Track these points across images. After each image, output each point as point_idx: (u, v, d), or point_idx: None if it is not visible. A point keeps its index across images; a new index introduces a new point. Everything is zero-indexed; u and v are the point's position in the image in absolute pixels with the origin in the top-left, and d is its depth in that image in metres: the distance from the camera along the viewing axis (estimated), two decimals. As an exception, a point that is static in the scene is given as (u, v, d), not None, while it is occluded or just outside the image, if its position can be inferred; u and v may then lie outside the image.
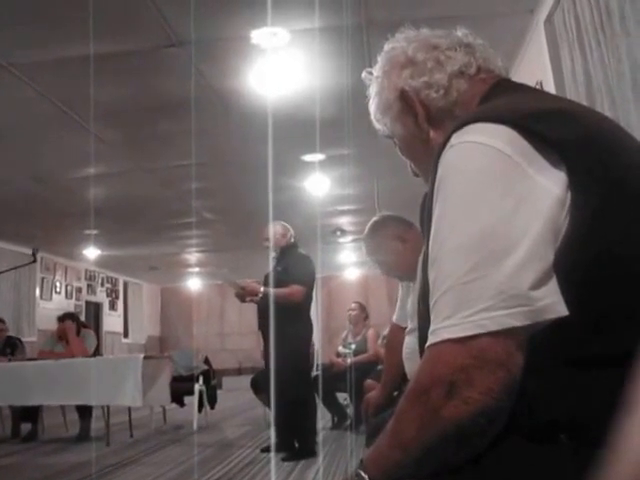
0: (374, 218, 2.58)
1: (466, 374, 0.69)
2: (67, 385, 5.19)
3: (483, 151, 0.75)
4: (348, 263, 12.97)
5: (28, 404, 5.46)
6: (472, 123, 0.78)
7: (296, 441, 4.37)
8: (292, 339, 4.20)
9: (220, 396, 6.97)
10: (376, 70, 1.05)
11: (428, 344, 0.74)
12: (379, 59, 1.05)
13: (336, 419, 5.93)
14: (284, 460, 4.19)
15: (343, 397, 6.01)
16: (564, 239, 0.72)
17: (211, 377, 6.63)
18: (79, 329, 6.17)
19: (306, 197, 7.29)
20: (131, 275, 13.74)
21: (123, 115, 4.74)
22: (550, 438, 0.71)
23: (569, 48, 3.08)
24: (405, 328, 2.41)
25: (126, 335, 13.77)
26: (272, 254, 4.60)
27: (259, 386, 5.35)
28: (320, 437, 4.79)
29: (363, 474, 0.78)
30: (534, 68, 3.67)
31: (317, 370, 6.00)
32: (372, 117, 1.08)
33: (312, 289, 4.55)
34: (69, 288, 11.47)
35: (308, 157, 5.94)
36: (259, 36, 3.61)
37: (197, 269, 13.28)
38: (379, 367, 4.96)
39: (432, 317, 0.75)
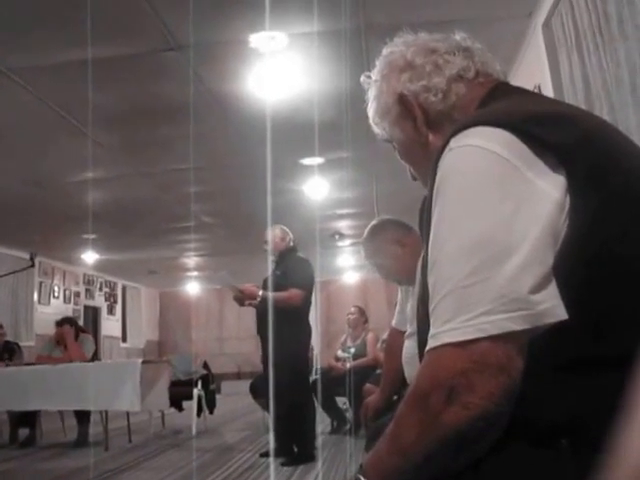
0: (373, 222, 2.58)
1: (466, 379, 0.69)
2: (65, 390, 5.18)
3: (482, 155, 0.75)
4: (347, 267, 12.96)
5: (26, 409, 5.44)
6: (471, 127, 0.78)
7: (295, 446, 4.36)
8: (291, 343, 4.19)
9: (219, 400, 6.96)
10: (375, 74, 1.05)
11: (428, 348, 0.74)
12: (377, 63, 1.05)
13: (335, 423, 5.93)
14: (283, 465, 4.18)
15: (342, 401, 5.99)
16: (563, 243, 0.72)
17: (210, 381, 6.62)
18: (77, 334, 6.16)
19: (305, 201, 7.28)
20: (129, 279, 13.72)
21: (121, 119, 4.74)
22: (551, 443, 0.71)
23: (567, 52, 3.08)
24: (404, 332, 2.40)
25: (124, 340, 13.74)
26: (271, 258, 4.60)
27: (258, 390, 5.35)
28: (319, 442, 4.78)
29: (362, 479, 0.78)
30: (532, 72, 3.68)
31: (316, 374, 6.00)
32: (371, 121, 1.08)
33: (311, 293, 4.55)
34: (67, 292, 11.45)
35: (307, 161, 5.94)
36: (257, 40, 3.61)
37: (196, 273, 13.26)
38: (378, 371, 4.96)
39: (432, 321, 0.74)
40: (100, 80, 3.83)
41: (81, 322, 10.10)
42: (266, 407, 4.89)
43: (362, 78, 1.08)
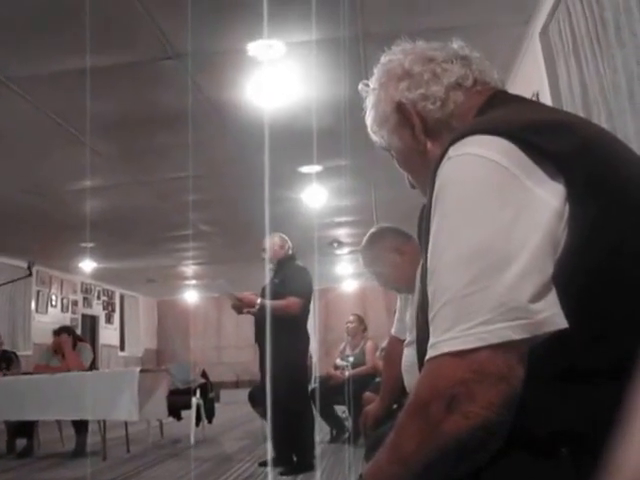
0: (372, 230, 2.58)
1: (466, 388, 0.68)
2: (63, 400, 5.15)
3: (480, 163, 0.75)
4: (345, 275, 12.95)
5: (23, 419, 5.42)
6: (469, 135, 0.78)
7: (294, 455, 4.35)
8: (289, 351, 4.18)
9: (218, 409, 6.94)
10: (373, 82, 1.05)
11: (428, 357, 0.73)
12: (375, 71, 1.05)
13: (334, 432, 5.91)
14: (282, 474, 4.16)
15: (341, 410, 5.98)
16: (563, 251, 0.72)
17: (208, 390, 6.60)
18: (75, 343, 6.13)
19: (303, 209, 7.29)
20: (127, 288, 13.70)
21: (119, 128, 4.74)
22: (551, 452, 0.71)
23: (565, 59, 3.09)
24: (404, 340, 2.40)
25: (122, 348, 13.70)
26: (269, 266, 4.59)
27: (256, 399, 5.33)
28: (318, 451, 4.76)
29: (362, 489, 0.78)
30: (530, 79, 3.69)
31: (315, 382, 5.98)
32: (369, 129, 1.08)
33: (309, 301, 4.54)
34: (65, 301, 11.42)
35: (305, 169, 5.94)
36: (255, 48, 3.62)
37: (194, 282, 13.25)
38: (377, 379, 4.94)
39: (431, 330, 0.74)
40: (98, 89, 3.83)
41: (79, 331, 10.09)
42: (265, 416, 4.87)
43: (360, 86, 1.09)
